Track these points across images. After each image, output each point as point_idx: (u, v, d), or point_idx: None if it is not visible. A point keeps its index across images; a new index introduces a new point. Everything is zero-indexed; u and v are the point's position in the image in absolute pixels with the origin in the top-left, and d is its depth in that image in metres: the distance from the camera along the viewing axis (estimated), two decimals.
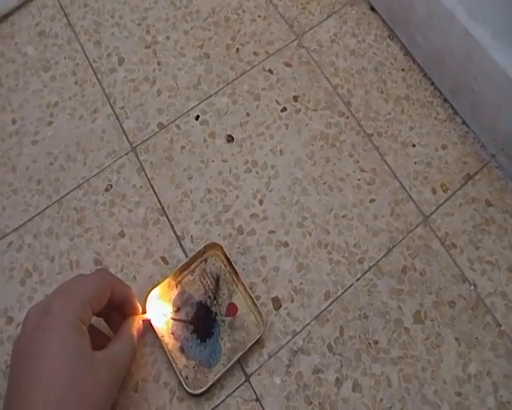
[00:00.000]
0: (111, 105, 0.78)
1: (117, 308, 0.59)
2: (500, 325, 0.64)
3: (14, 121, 0.77)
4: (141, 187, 0.72)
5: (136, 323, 0.59)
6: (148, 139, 0.75)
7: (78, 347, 0.47)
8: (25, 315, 0.50)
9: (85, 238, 0.69)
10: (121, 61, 0.80)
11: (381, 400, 0.61)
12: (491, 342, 0.63)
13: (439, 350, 0.63)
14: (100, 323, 0.61)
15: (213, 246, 0.67)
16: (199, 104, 0.78)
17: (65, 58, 0.81)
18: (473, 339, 0.64)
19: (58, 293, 0.51)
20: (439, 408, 0.60)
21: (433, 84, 0.78)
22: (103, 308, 0.53)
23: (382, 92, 0.78)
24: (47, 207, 0.71)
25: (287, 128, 0.76)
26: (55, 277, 0.67)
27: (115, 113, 0.77)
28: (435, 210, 0.71)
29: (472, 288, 0.66)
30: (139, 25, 0.83)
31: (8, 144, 0.76)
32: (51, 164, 0.74)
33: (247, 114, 0.77)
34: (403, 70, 0.80)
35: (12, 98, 0.80)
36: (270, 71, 0.80)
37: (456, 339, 0.64)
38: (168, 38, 0.82)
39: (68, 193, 0.72)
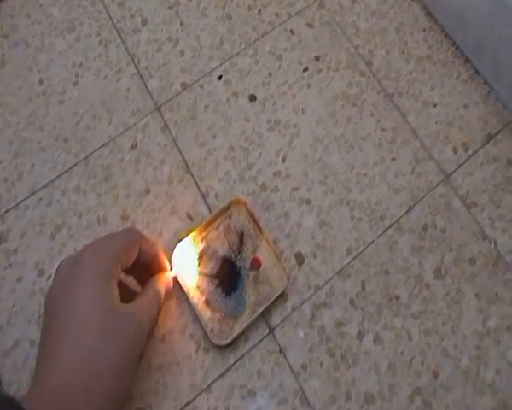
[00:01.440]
0: (135, 65, 0.66)
1: (146, 267, 0.51)
2: None
3: (41, 81, 0.65)
4: (165, 145, 0.62)
5: (164, 279, 0.51)
6: (171, 99, 0.64)
7: (107, 298, 0.41)
8: (56, 267, 0.45)
9: (112, 195, 0.60)
10: (144, 22, 0.67)
11: (402, 353, 0.52)
12: (510, 298, 0.54)
13: (459, 305, 0.54)
14: (130, 282, 0.53)
15: (237, 202, 0.57)
16: (221, 64, 0.66)
17: (89, 19, 0.68)
18: (493, 295, 0.54)
19: (89, 247, 0.45)
20: (459, 361, 0.52)
21: (454, 44, 0.65)
22: (133, 266, 0.47)
23: (403, 52, 0.65)
24: (74, 165, 0.61)
25: (308, 88, 0.64)
26: (84, 232, 0.58)
27: (139, 72, 0.65)
28: (456, 169, 0.60)
29: (492, 245, 0.56)
30: None
31: (36, 104, 0.65)
32: (77, 123, 0.63)
33: (270, 74, 0.65)
34: (424, 30, 0.67)
35: (38, 59, 0.68)
36: (292, 31, 0.67)
37: (476, 295, 0.55)
38: None
39: (95, 151, 0.62)
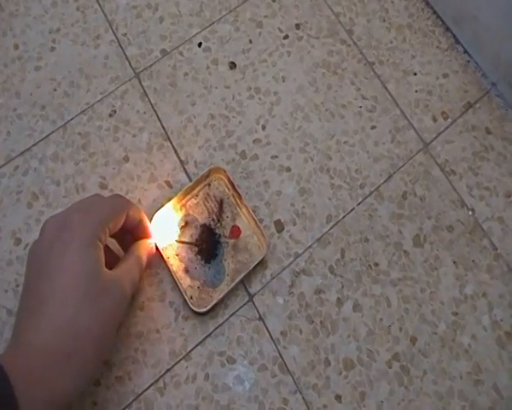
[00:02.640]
0: (113, 31, 0.55)
1: (130, 232, 0.43)
2: (496, 249, 0.47)
3: (16, 46, 0.54)
4: (144, 113, 0.51)
5: (146, 245, 0.43)
6: (151, 66, 0.53)
7: (94, 264, 0.36)
8: (43, 223, 0.38)
9: (90, 163, 0.50)
10: None
11: (381, 319, 0.45)
12: (487, 265, 0.47)
13: (437, 272, 0.46)
14: (114, 245, 0.45)
15: (217, 170, 0.48)
16: (201, 31, 0.55)
17: None
18: (470, 262, 0.47)
19: (77, 210, 0.38)
20: (437, 327, 0.45)
21: (435, 13, 0.56)
22: (117, 231, 0.40)
23: (384, 21, 0.55)
24: (52, 132, 0.51)
25: (289, 55, 0.54)
26: (62, 200, 0.49)
27: (118, 39, 0.54)
28: (435, 137, 0.51)
29: (470, 213, 0.48)
30: None
31: (11, 70, 0.53)
32: (55, 90, 0.52)
33: (250, 42, 0.55)
34: None
35: (13, 23, 0.56)
36: None
37: (454, 262, 0.47)
38: None
39: (72, 118, 0.51)
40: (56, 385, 0.32)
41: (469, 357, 0.44)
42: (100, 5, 0.58)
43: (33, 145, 0.51)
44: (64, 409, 0.34)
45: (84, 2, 0.57)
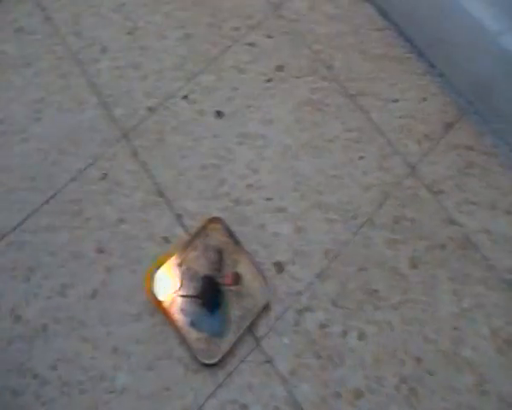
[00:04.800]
0: (97, 95, 0.81)
1: None
2: (488, 260, 0.71)
3: (0, 121, 0.80)
4: (136, 172, 0.76)
5: None
6: (138, 124, 0.79)
7: None
8: None
9: (85, 229, 0.73)
10: (104, 50, 0.84)
11: (386, 345, 0.67)
12: (481, 277, 0.70)
13: (434, 291, 0.70)
14: None
15: (213, 220, 0.72)
16: (185, 85, 0.82)
17: (46, 52, 0.84)
18: (464, 276, 0.70)
19: None
20: (439, 344, 0.67)
21: (409, 40, 0.83)
22: None
23: (362, 53, 0.83)
24: (43, 204, 0.74)
25: (273, 98, 0.81)
26: (58, 270, 0.70)
27: (103, 102, 0.81)
28: (421, 160, 0.76)
29: (460, 228, 0.72)
30: (118, 12, 0.86)
31: None
32: (43, 160, 0.77)
33: (234, 89, 0.81)
34: (380, 30, 0.85)
35: None
36: (253, 44, 0.84)
37: (450, 278, 0.70)
38: (149, 22, 0.86)
39: (64, 186, 0.75)
40: None
41: (473, 370, 0.66)
42: (82, 70, 0.84)
43: (26, 219, 0.75)
44: None
45: (66, 69, 0.84)
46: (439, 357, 0.67)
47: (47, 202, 0.75)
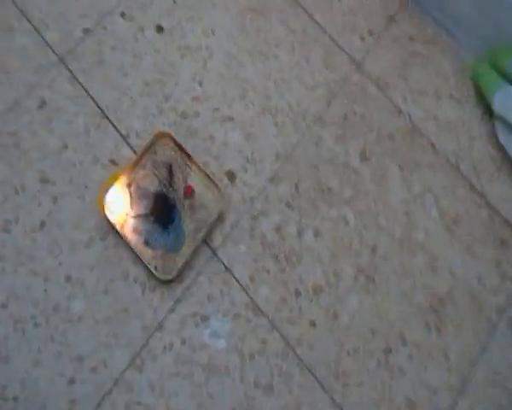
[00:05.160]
0: (28, 19, 0.62)
1: None
2: (434, 146, 0.60)
3: None
4: (76, 96, 0.59)
5: None
6: (75, 47, 0.61)
7: None
8: None
9: (25, 160, 0.58)
10: None
11: (342, 239, 0.56)
12: (428, 162, 0.59)
13: (385, 181, 0.58)
14: None
15: (161, 135, 0.57)
16: (121, 1, 0.63)
17: None
18: (413, 163, 0.59)
19: None
20: (393, 231, 0.57)
21: None
22: None
23: None
24: None
25: (215, 7, 0.63)
26: (2, 205, 0.56)
27: (34, 26, 0.61)
28: (366, 56, 0.63)
29: (407, 118, 0.61)
30: None
31: None
32: None
33: (173, 1, 0.63)
34: None
35: None
36: None
37: (399, 166, 0.59)
38: None
39: None
40: None
41: (425, 251, 0.56)
42: None
43: None
44: None
45: None
46: (393, 243, 0.56)
47: None
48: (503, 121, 0.57)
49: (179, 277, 0.54)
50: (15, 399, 0.49)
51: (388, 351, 0.52)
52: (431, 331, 0.54)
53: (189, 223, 0.56)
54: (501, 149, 0.59)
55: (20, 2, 0.63)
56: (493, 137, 0.60)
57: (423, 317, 0.54)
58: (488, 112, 0.60)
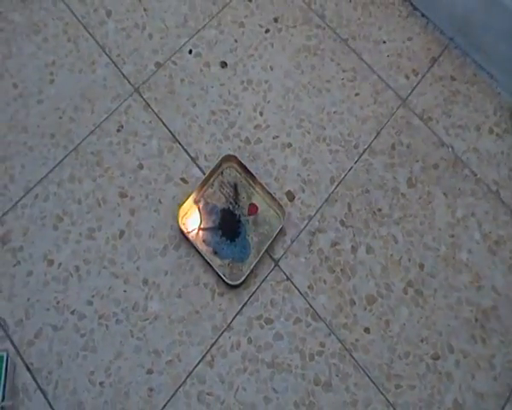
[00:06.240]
0: (107, 54, 0.79)
1: None
2: (476, 175, 0.72)
3: (15, 86, 0.76)
4: (150, 122, 0.75)
5: None
6: (148, 79, 0.77)
7: None
8: None
9: (107, 177, 0.71)
10: (109, 13, 0.80)
11: (391, 255, 0.69)
12: (471, 190, 0.72)
13: (431, 205, 0.71)
14: None
15: (227, 158, 0.71)
16: (189, 40, 0.80)
17: (53, 19, 0.80)
18: (456, 190, 0.72)
19: None
20: (438, 251, 0.69)
21: None
22: None
23: (350, 1, 0.82)
24: (65, 157, 0.73)
25: (272, 47, 0.79)
26: (85, 216, 0.69)
27: (113, 61, 0.78)
28: (410, 92, 0.77)
29: (450, 150, 0.74)
30: None
31: (14, 107, 0.76)
32: (60, 118, 0.75)
33: (236, 41, 0.80)
34: None
35: (8, 65, 0.78)
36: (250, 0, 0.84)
37: (444, 193, 0.72)
38: None
39: (82, 140, 0.73)
40: None
41: (469, 269, 0.68)
42: (90, 33, 0.81)
43: (49, 172, 0.73)
44: None
45: (74, 33, 0.81)
46: (439, 261, 0.68)
47: (67, 155, 0.72)
48: None
49: (245, 283, 0.67)
50: (101, 384, 0.61)
51: (436, 357, 0.64)
52: (476, 342, 0.65)
53: (253, 236, 0.70)
54: None
55: (100, 39, 0.77)
56: None
57: (469, 328, 0.66)
58: None
